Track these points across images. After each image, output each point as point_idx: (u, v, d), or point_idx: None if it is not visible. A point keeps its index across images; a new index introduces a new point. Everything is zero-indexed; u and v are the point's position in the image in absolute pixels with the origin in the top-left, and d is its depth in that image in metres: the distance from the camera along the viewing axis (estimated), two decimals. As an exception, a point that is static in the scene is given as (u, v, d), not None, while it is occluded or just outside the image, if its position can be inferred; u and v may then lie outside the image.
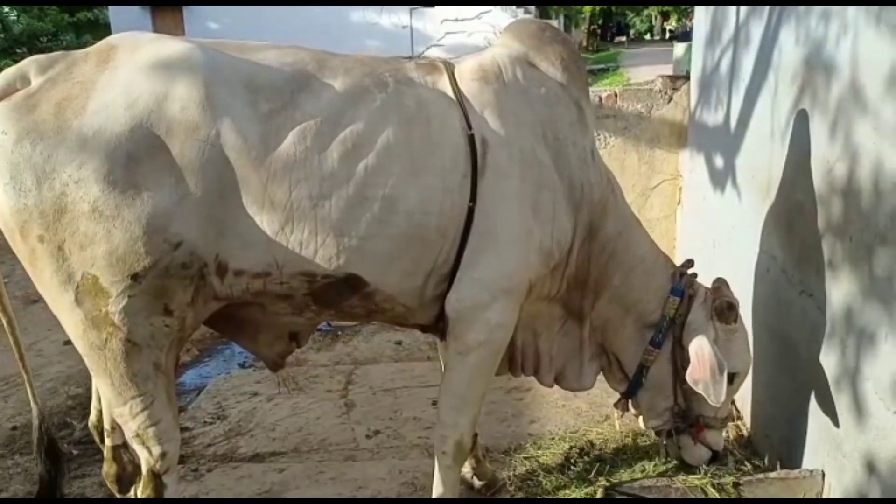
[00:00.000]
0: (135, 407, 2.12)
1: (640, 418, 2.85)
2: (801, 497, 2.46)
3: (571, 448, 3.07)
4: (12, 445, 3.34)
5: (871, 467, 2.15)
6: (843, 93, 2.33)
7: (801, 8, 2.68)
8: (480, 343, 2.34)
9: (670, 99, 4.79)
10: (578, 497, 2.63)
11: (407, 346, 4.48)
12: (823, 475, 2.44)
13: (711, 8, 4.08)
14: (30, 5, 18.55)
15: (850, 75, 2.29)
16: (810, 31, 2.60)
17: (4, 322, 2.24)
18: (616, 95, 4.95)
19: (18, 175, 1.89)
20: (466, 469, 2.86)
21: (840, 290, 2.33)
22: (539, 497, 2.74)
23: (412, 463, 3.11)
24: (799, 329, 2.66)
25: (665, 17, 46.97)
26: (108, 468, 2.54)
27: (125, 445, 2.48)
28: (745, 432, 3.23)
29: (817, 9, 2.54)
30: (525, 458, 3.05)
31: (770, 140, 2.98)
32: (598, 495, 2.57)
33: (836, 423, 2.35)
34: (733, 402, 3.37)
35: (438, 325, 2.42)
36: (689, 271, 2.72)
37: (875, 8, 2.14)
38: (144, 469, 2.23)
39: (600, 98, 4.92)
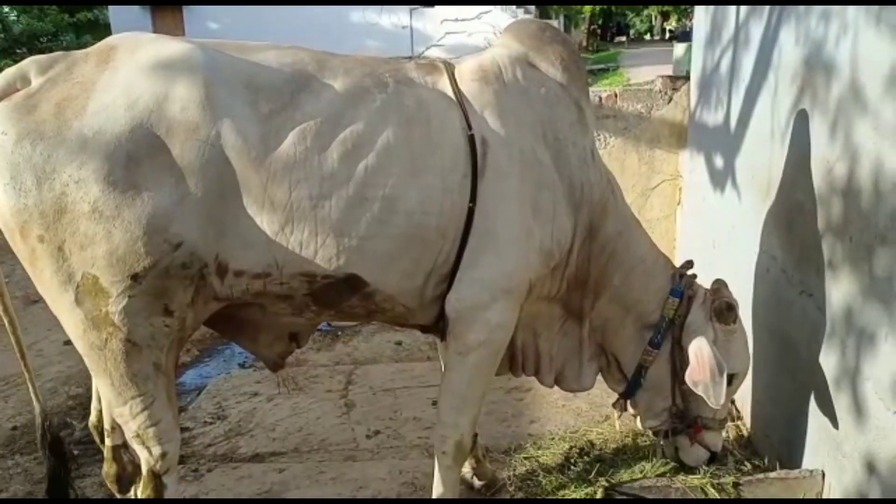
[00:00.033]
0: (135, 407, 2.12)
1: (638, 419, 2.85)
2: (801, 497, 2.46)
3: (571, 448, 3.07)
4: (12, 445, 3.34)
5: (871, 467, 2.15)
6: (843, 93, 2.33)
7: (801, 8, 2.68)
8: (480, 343, 2.34)
9: (670, 99, 4.79)
10: (578, 497, 2.63)
11: (407, 346, 4.48)
12: (823, 475, 2.44)
13: (711, 8, 4.08)
14: (30, 5, 18.55)
15: (850, 75, 2.29)
16: (810, 31, 2.60)
17: (6, 322, 2.24)
18: (616, 95, 4.95)
19: (18, 175, 1.89)
20: (466, 469, 2.86)
21: (840, 290, 2.33)
22: (539, 497, 2.74)
23: (412, 463, 3.11)
24: (799, 329, 2.66)
25: (665, 17, 46.97)
26: (109, 468, 2.54)
27: (125, 445, 2.48)
28: (745, 432, 3.23)
29: (817, 9, 2.54)
30: (525, 458, 3.05)
31: (770, 140, 2.98)
32: (598, 495, 2.57)
33: (836, 423, 2.35)
34: (733, 402, 3.37)
35: (438, 326, 2.42)
36: (689, 272, 2.72)
37: (875, 8, 2.14)
38: (144, 469, 2.24)
39: (600, 98, 4.92)
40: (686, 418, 2.68)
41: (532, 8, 23.71)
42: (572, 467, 2.91)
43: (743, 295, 3.10)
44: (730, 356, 2.50)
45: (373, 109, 2.16)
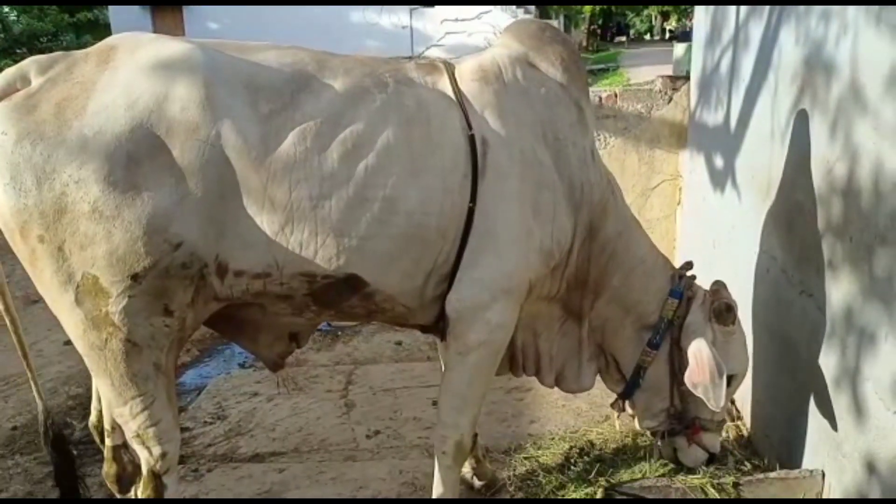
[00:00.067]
0: (135, 407, 2.12)
1: (636, 419, 2.85)
2: (801, 497, 2.46)
3: (571, 448, 3.07)
4: (12, 445, 3.34)
5: (871, 467, 2.15)
6: (843, 93, 2.33)
7: (801, 8, 2.68)
8: (481, 343, 2.34)
9: (670, 99, 4.79)
10: (578, 497, 2.63)
11: (407, 346, 4.48)
12: (823, 475, 2.44)
13: (711, 8, 4.08)
14: (30, 5, 18.56)
15: (850, 75, 2.29)
16: (810, 31, 2.60)
17: (8, 321, 2.24)
18: (616, 96, 4.95)
19: (18, 175, 1.89)
20: (466, 469, 2.86)
21: (840, 290, 2.33)
22: (539, 497, 2.74)
23: (412, 463, 3.11)
24: (799, 329, 2.66)
25: (665, 17, 46.98)
26: (109, 468, 2.54)
27: (125, 445, 2.48)
28: (745, 432, 3.23)
29: (817, 9, 2.54)
30: (525, 458, 3.05)
31: (770, 140, 2.98)
32: (598, 495, 2.57)
33: (836, 423, 2.35)
34: (733, 402, 3.37)
35: (438, 326, 2.42)
36: (688, 273, 2.72)
37: (875, 8, 2.14)
38: (144, 469, 2.24)
39: (600, 98, 4.92)
40: (684, 419, 2.68)
41: (532, 8, 23.71)
42: (572, 467, 2.91)
43: (743, 295, 3.10)
44: (728, 357, 2.50)
45: (373, 109, 2.16)
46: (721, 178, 3.74)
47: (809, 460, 2.56)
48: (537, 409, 3.55)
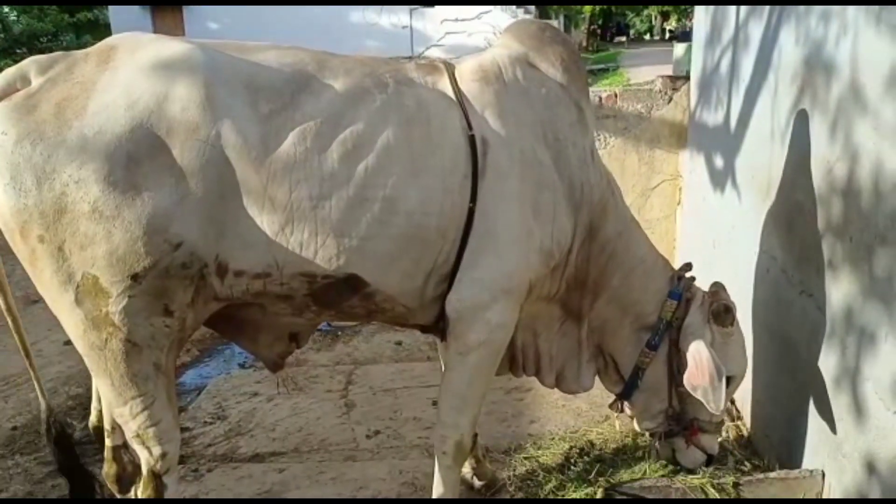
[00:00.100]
0: (135, 407, 2.12)
1: (635, 420, 2.84)
2: (801, 497, 2.46)
3: (571, 448, 3.07)
4: (12, 445, 3.34)
5: (871, 467, 2.15)
6: (843, 93, 2.33)
7: (801, 8, 2.68)
8: (481, 343, 2.34)
9: (670, 99, 4.79)
10: (578, 497, 2.63)
11: (407, 346, 4.48)
12: (823, 475, 2.44)
13: (711, 8, 4.08)
14: (30, 5, 18.56)
15: (850, 75, 2.29)
16: (810, 31, 2.60)
17: (10, 321, 2.24)
18: (616, 96, 4.94)
19: (18, 175, 1.89)
20: (466, 469, 2.86)
21: (840, 290, 2.33)
22: (539, 497, 2.74)
23: (412, 463, 3.11)
24: (799, 329, 2.66)
25: (665, 17, 46.99)
26: (109, 468, 2.54)
27: (125, 445, 2.48)
28: (745, 432, 3.23)
29: (817, 9, 2.54)
30: (525, 458, 3.05)
31: (770, 140, 2.98)
32: (598, 495, 2.57)
33: (836, 423, 2.36)
34: (732, 402, 3.37)
35: (439, 326, 2.42)
36: (687, 275, 2.72)
37: (875, 8, 2.14)
38: (145, 469, 2.24)
39: (600, 98, 4.91)
40: (682, 420, 2.68)
41: (532, 8, 23.71)
42: (572, 467, 2.92)
43: (743, 295, 3.10)
44: (727, 359, 2.50)
45: (373, 110, 2.16)
46: (721, 178, 3.74)
47: (809, 460, 2.56)
48: (537, 409, 3.55)
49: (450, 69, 2.38)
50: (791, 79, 2.77)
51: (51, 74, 1.98)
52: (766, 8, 3.06)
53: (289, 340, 2.51)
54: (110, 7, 22.62)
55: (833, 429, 2.38)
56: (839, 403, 2.33)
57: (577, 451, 3.04)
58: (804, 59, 2.65)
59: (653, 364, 2.65)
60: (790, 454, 2.70)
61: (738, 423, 3.30)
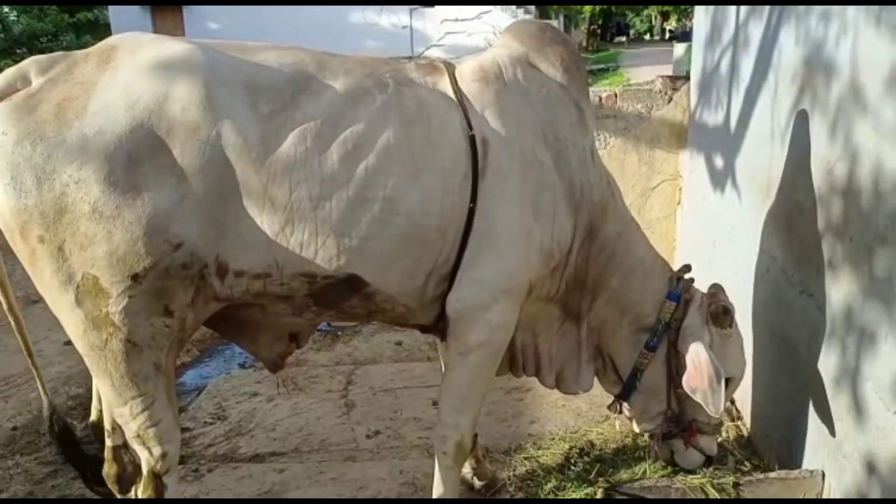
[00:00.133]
0: (135, 407, 2.12)
1: (633, 421, 2.84)
2: (801, 497, 2.46)
3: (571, 448, 3.07)
4: (12, 446, 3.34)
5: (871, 467, 2.15)
6: (843, 93, 2.33)
7: (801, 8, 2.68)
8: (481, 343, 2.34)
9: (670, 99, 4.79)
10: (578, 497, 2.63)
11: (407, 346, 4.48)
12: (823, 475, 2.44)
13: (711, 8, 4.08)
14: (30, 5, 18.56)
15: (850, 75, 2.29)
16: (810, 32, 2.60)
17: (12, 320, 2.24)
18: (616, 96, 4.94)
19: (19, 175, 1.89)
20: (467, 469, 2.86)
21: (840, 290, 2.34)
22: (539, 497, 2.74)
23: (412, 463, 3.11)
24: (799, 329, 2.66)
25: (665, 17, 46.99)
26: (109, 468, 2.54)
27: (125, 446, 2.48)
28: (745, 432, 3.23)
29: (817, 9, 2.54)
30: (525, 459, 3.05)
31: (770, 140, 2.98)
32: (598, 495, 2.57)
33: (836, 424, 2.36)
34: (732, 402, 3.37)
35: (439, 326, 2.42)
36: (686, 276, 2.72)
37: (875, 8, 2.14)
38: (145, 469, 2.24)
39: (600, 98, 4.91)
40: (681, 422, 2.68)
41: (532, 8, 23.71)
42: (572, 467, 2.92)
43: (743, 295, 3.10)
44: (726, 361, 2.50)
45: (373, 110, 2.16)
46: (721, 178, 3.74)
47: (809, 460, 2.56)
48: (537, 409, 3.55)
49: (450, 69, 2.38)
50: (791, 79, 2.77)
51: (51, 74, 1.98)
52: (766, 8, 3.06)
53: (289, 340, 2.51)
54: (110, 7, 22.62)
55: (833, 429, 2.38)
56: (839, 403, 2.33)
57: (577, 451, 3.04)
58: (804, 59, 2.65)
59: (651, 365, 2.65)
60: (790, 454, 2.70)
61: (738, 423, 3.30)
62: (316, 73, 2.17)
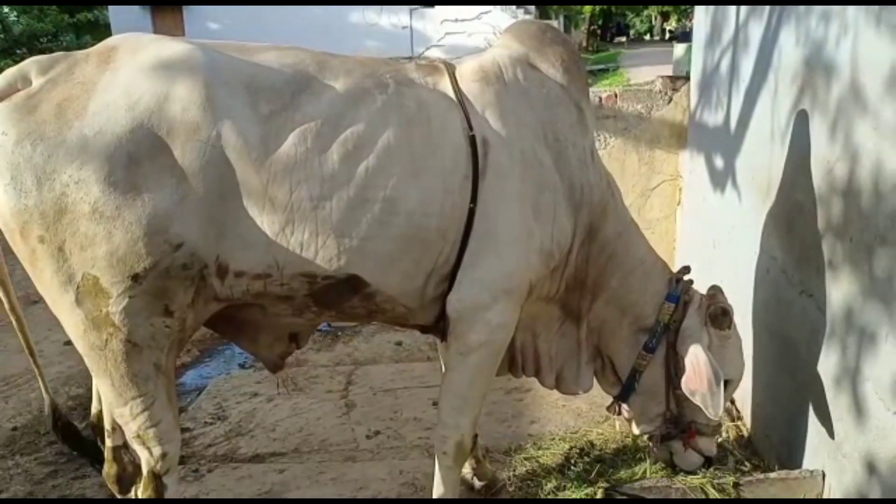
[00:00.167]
0: (135, 407, 2.12)
1: (632, 423, 2.84)
2: (801, 497, 2.46)
3: (571, 448, 3.07)
4: (13, 446, 3.34)
5: (871, 467, 2.15)
6: (843, 93, 2.33)
7: (801, 8, 2.68)
8: (481, 343, 2.34)
9: (670, 99, 4.79)
10: (578, 497, 2.63)
11: (407, 346, 4.48)
12: (823, 475, 2.44)
13: (711, 8, 4.08)
14: (30, 6, 18.56)
15: (850, 75, 2.29)
16: (810, 32, 2.60)
17: (13, 319, 2.24)
18: (616, 96, 4.94)
19: (19, 176, 1.89)
20: (467, 469, 2.86)
21: (840, 290, 2.34)
22: (539, 497, 2.74)
23: (412, 463, 3.11)
24: (799, 329, 2.66)
25: (665, 17, 47.00)
26: (109, 469, 2.54)
27: (126, 446, 2.48)
28: (745, 432, 3.23)
29: (817, 9, 2.54)
30: (525, 459, 3.05)
31: (770, 140, 2.98)
32: (598, 495, 2.57)
33: (836, 424, 2.36)
34: (732, 402, 3.37)
35: (439, 326, 2.42)
36: (686, 277, 2.72)
37: (875, 8, 2.14)
38: (145, 470, 2.24)
39: (600, 99, 4.91)
40: (680, 423, 2.68)
41: (532, 8, 23.71)
42: (572, 467, 2.92)
43: (743, 295, 3.10)
44: (724, 362, 2.50)
45: (373, 110, 2.16)
46: (721, 179, 3.74)
47: (809, 460, 2.56)
48: (537, 409, 3.55)
49: (450, 70, 2.38)
50: (791, 79, 2.77)
51: (51, 75, 1.98)
52: (766, 8, 3.06)
53: (289, 341, 2.52)
54: (110, 7, 22.62)
55: (833, 429, 2.38)
56: (839, 403, 2.34)
57: (577, 451, 3.04)
58: (804, 60, 2.65)
59: (650, 367, 2.65)
60: (790, 454, 2.70)
61: (738, 423, 3.30)
62: (316, 74, 2.17)
